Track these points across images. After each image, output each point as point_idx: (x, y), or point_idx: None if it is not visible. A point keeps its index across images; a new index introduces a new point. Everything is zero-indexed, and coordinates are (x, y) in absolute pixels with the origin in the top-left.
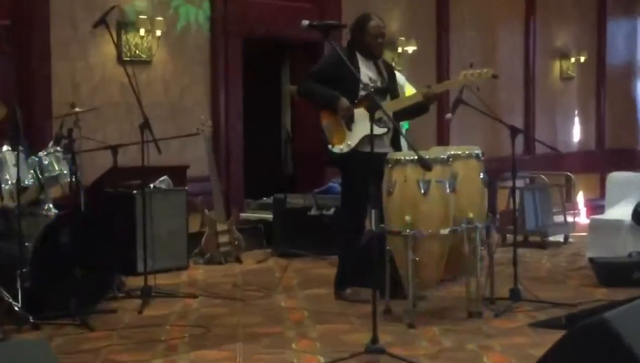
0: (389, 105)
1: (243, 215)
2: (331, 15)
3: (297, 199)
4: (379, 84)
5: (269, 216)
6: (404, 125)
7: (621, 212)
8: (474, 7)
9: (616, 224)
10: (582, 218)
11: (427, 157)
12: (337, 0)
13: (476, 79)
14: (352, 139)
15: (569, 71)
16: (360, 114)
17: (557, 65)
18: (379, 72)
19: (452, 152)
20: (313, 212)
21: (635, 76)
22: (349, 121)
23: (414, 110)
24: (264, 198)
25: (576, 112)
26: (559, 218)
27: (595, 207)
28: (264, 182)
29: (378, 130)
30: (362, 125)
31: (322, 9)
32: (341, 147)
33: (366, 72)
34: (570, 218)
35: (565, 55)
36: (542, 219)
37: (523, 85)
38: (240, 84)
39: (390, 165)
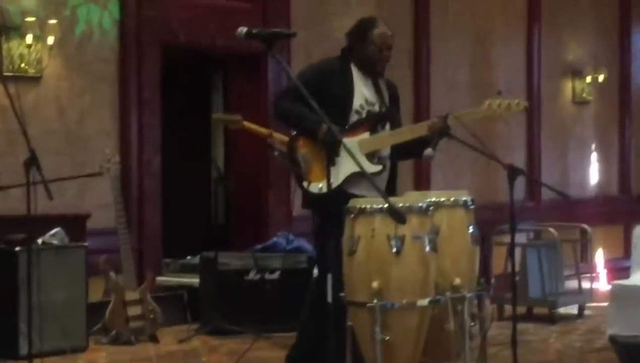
0: (385, 138)
1: (160, 279)
2: (278, 19)
3: (232, 259)
4: (375, 107)
5: (194, 281)
6: None
7: None
8: (461, 11)
9: None
10: (602, 284)
11: (401, 205)
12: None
13: (504, 112)
14: (336, 176)
15: (584, 94)
16: (349, 145)
17: (568, 85)
18: (378, 93)
19: (433, 199)
20: (252, 275)
21: None
22: (332, 154)
23: (415, 148)
24: (189, 257)
25: (593, 146)
26: (571, 284)
27: (619, 269)
28: (188, 236)
29: (371, 168)
30: (349, 160)
31: (265, 10)
32: (320, 185)
33: (362, 91)
34: (586, 284)
35: (578, 74)
36: (550, 285)
37: (525, 111)
38: (158, 107)
39: (352, 216)
